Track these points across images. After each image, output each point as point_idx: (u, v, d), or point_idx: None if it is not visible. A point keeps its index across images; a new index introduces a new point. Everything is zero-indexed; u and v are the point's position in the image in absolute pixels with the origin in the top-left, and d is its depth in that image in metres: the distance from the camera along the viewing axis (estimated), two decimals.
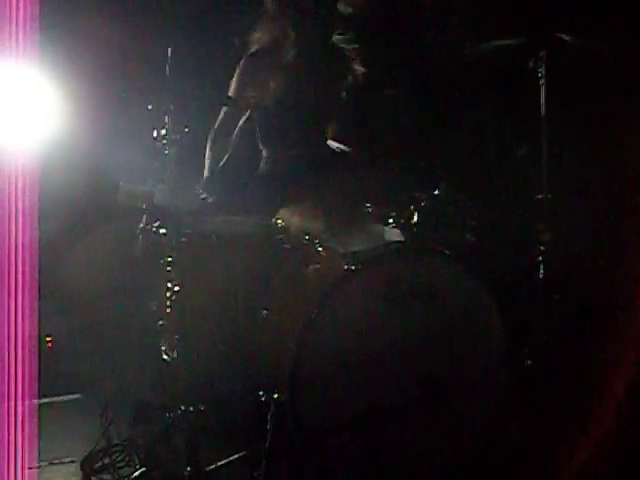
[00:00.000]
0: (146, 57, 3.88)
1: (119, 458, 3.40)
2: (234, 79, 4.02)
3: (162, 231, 3.38)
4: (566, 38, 3.77)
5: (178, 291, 3.31)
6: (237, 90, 4.01)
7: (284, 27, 3.96)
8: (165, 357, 3.42)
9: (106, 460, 3.40)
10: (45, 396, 3.74)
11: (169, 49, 3.30)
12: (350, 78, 3.99)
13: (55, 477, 3.40)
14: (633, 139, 3.83)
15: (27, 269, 3.05)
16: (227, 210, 3.70)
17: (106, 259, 3.94)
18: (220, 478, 3.23)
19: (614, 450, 3.20)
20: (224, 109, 4.00)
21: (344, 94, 3.98)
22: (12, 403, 3.04)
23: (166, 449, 3.28)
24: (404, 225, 3.49)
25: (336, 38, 3.99)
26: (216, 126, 4.04)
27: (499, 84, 4.13)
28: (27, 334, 3.06)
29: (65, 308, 4.20)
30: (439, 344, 3.27)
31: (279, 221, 3.54)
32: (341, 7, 4.05)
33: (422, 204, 3.50)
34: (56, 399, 4.05)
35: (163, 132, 3.28)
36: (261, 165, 4.06)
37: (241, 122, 3.96)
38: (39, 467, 3.38)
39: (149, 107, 3.32)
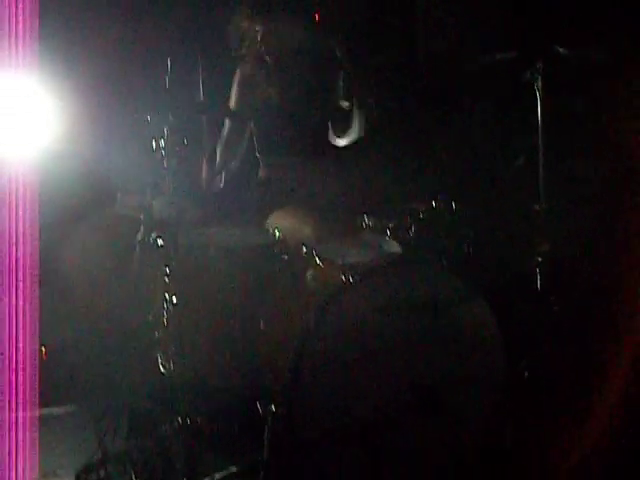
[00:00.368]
0: (145, 67, 3.88)
1: (114, 471, 3.38)
2: (233, 90, 4.03)
3: (160, 242, 3.37)
4: (562, 50, 3.78)
5: (175, 303, 3.30)
6: (237, 101, 4.01)
7: (276, 34, 3.97)
8: (162, 368, 3.41)
9: (101, 473, 3.37)
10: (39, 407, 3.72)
11: (169, 60, 3.30)
12: (346, 85, 3.99)
13: None
14: (630, 150, 3.85)
15: (28, 278, 3.04)
16: (224, 221, 3.70)
17: (103, 269, 3.92)
18: None
19: (611, 466, 3.20)
20: (227, 121, 4.01)
21: (341, 102, 3.99)
22: (13, 414, 3.02)
23: (162, 461, 3.27)
24: (402, 236, 3.49)
25: (329, 43, 3.99)
26: (221, 137, 4.04)
27: (496, 95, 4.15)
28: (28, 345, 3.04)
29: (60, 318, 4.18)
30: (437, 356, 3.27)
31: (277, 232, 3.54)
32: (335, 12, 4.06)
33: (420, 215, 3.52)
34: (50, 410, 4.02)
35: (162, 143, 3.28)
36: (259, 174, 4.06)
37: (239, 132, 3.97)
38: None
39: (148, 118, 3.31)
